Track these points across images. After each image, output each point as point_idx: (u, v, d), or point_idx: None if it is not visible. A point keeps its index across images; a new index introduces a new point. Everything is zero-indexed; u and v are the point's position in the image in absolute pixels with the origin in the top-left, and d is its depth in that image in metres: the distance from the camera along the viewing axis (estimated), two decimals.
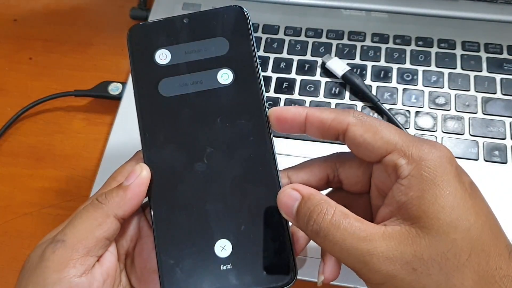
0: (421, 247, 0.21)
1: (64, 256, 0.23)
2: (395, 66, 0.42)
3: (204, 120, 0.27)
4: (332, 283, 0.32)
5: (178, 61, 0.27)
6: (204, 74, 0.27)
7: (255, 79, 0.27)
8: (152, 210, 0.26)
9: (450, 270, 0.21)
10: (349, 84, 0.40)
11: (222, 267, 0.25)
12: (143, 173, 0.25)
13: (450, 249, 0.21)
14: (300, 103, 0.40)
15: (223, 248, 0.25)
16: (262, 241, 0.25)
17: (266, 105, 0.27)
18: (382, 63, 0.42)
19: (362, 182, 0.26)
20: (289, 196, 0.24)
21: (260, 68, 0.27)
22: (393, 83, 0.41)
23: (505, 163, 0.37)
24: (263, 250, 0.25)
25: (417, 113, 0.39)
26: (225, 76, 0.27)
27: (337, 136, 0.25)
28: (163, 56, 0.28)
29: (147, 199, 0.26)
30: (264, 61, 0.43)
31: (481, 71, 0.41)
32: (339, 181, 0.27)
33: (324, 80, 0.41)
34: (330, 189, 0.28)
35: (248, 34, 0.27)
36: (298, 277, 0.33)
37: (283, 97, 0.40)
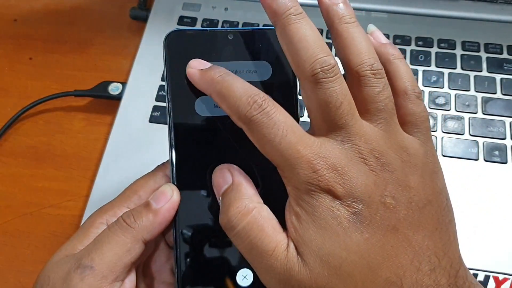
0: (303, 279, 0.20)
1: (93, 284, 0.22)
2: None
3: (239, 146, 0.25)
4: None
5: None
6: None
7: (292, 109, 0.25)
8: (175, 233, 0.25)
9: None
10: None
11: None
12: (174, 197, 0.24)
13: (326, 285, 0.20)
14: (300, 103, 0.40)
15: (244, 277, 0.25)
16: None
17: None
18: None
19: None
20: (222, 175, 0.23)
21: (298, 97, 0.26)
22: None
23: (505, 163, 0.37)
24: None
25: None
26: None
27: None
28: None
29: None
30: None
31: (481, 71, 0.41)
32: None
33: None
34: None
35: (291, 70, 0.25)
36: None
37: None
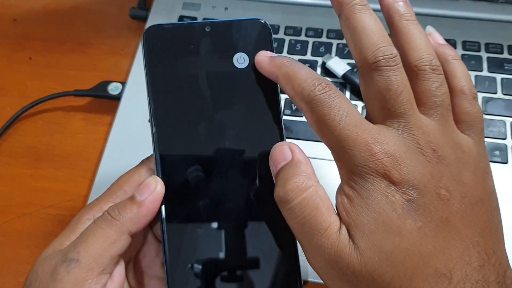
0: (354, 262, 0.21)
1: (79, 276, 0.22)
2: None
3: (220, 134, 0.26)
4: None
5: (195, 71, 0.26)
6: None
7: (273, 98, 0.26)
8: (162, 225, 0.25)
9: None
10: (349, 84, 0.40)
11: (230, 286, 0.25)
12: (158, 188, 0.24)
13: (376, 270, 0.20)
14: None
15: (233, 267, 0.25)
16: (273, 263, 0.25)
17: (284, 130, 0.26)
18: None
19: None
20: (282, 152, 0.24)
21: (278, 87, 0.26)
22: None
23: (506, 163, 0.37)
24: (272, 272, 0.25)
25: None
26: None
27: None
28: (182, 65, 0.26)
29: None
30: None
31: (481, 71, 0.41)
32: None
33: None
34: None
35: (269, 50, 0.26)
36: (301, 278, 0.33)
37: (283, 96, 0.40)
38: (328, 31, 0.44)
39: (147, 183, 0.24)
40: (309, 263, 0.23)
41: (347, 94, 0.40)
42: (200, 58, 0.26)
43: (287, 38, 0.44)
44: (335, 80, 0.41)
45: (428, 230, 0.20)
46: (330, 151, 0.23)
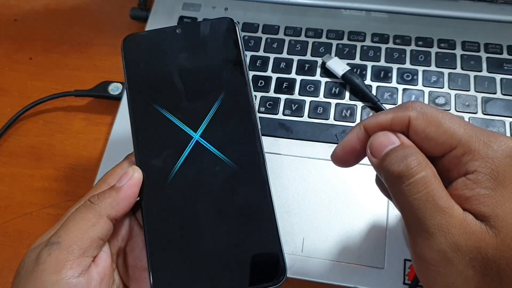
0: (487, 247, 0.20)
1: (60, 257, 0.23)
2: (395, 66, 0.42)
3: (193, 128, 0.28)
4: (332, 283, 0.32)
5: (168, 68, 0.29)
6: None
7: (244, 86, 0.28)
8: (143, 211, 0.26)
9: (508, 280, 0.20)
10: (349, 84, 0.40)
11: (212, 267, 0.25)
12: (135, 174, 0.26)
13: None
14: (300, 103, 0.40)
15: (213, 248, 0.25)
16: (253, 241, 0.25)
17: (257, 112, 0.28)
18: (382, 63, 0.42)
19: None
20: (388, 138, 0.23)
21: (250, 79, 0.29)
22: (393, 83, 0.41)
23: None
24: (254, 250, 0.25)
25: None
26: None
27: (403, 134, 0.24)
28: (156, 65, 0.29)
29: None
30: (264, 61, 0.43)
31: (481, 71, 0.41)
32: None
33: (324, 80, 0.41)
34: None
35: (237, 45, 0.29)
36: (299, 277, 0.33)
37: (283, 97, 0.40)
38: (328, 31, 0.44)
39: (126, 172, 0.26)
40: (421, 251, 0.21)
41: (347, 94, 0.40)
42: (172, 57, 0.29)
43: (287, 39, 0.44)
44: (335, 80, 0.41)
45: None
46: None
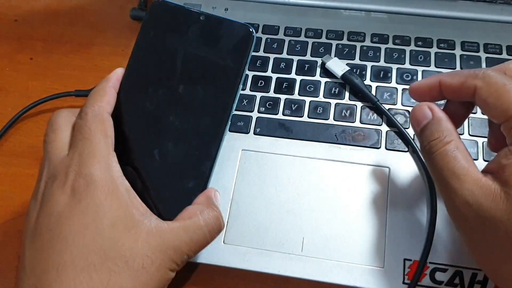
0: (498, 208, 0.23)
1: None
2: (394, 66, 0.42)
3: (181, 75, 0.32)
4: (332, 282, 0.32)
5: (176, 46, 0.32)
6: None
7: (233, 88, 0.31)
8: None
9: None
10: (348, 84, 0.41)
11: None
12: (118, 70, 0.33)
13: None
14: (300, 103, 0.40)
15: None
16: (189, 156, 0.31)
17: (235, 104, 0.31)
18: (382, 63, 0.42)
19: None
20: (423, 112, 0.28)
21: (240, 86, 0.31)
22: (393, 83, 0.41)
23: None
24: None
25: None
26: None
27: (471, 99, 0.27)
28: (168, 37, 0.33)
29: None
30: (264, 61, 0.43)
31: None
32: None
33: (323, 80, 0.41)
34: None
35: (244, 56, 0.31)
36: (299, 276, 0.33)
37: (283, 97, 0.41)
38: (328, 31, 0.44)
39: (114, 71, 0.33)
40: (447, 209, 0.26)
41: (346, 94, 0.40)
42: (184, 37, 0.32)
43: (287, 39, 0.44)
44: (335, 80, 0.41)
45: None
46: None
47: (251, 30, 0.31)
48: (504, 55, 0.41)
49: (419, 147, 0.35)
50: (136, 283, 0.25)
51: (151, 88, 0.32)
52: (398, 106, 0.40)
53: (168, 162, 0.31)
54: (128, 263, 0.25)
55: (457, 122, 0.29)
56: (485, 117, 0.38)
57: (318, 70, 0.42)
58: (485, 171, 0.26)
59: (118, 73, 0.32)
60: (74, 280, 0.24)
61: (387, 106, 0.39)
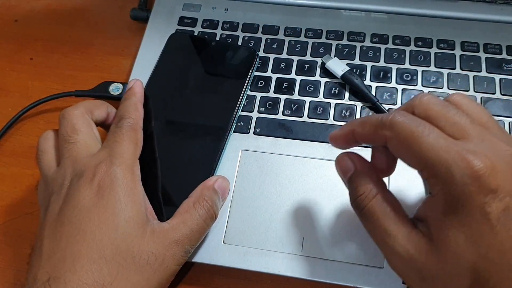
0: (431, 261, 0.22)
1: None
2: (394, 67, 0.42)
3: (195, 89, 0.39)
4: (332, 282, 0.32)
5: (190, 65, 0.40)
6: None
7: (235, 103, 0.38)
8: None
9: None
10: (348, 85, 0.41)
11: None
12: (139, 83, 0.36)
13: (456, 275, 0.22)
14: (300, 103, 0.40)
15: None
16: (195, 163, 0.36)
17: (237, 115, 0.38)
18: (382, 63, 0.42)
19: None
20: (345, 164, 0.28)
21: (242, 102, 0.39)
22: (393, 83, 0.41)
23: None
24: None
25: None
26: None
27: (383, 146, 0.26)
28: (184, 59, 0.41)
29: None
30: (264, 61, 0.43)
31: (480, 71, 0.41)
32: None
33: (323, 80, 0.41)
34: None
35: (247, 73, 0.39)
36: (299, 276, 0.33)
37: (283, 97, 0.41)
38: (328, 32, 0.44)
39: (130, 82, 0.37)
40: (390, 264, 0.25)
41: (346, 94, 0.40)
42: (198, 59, 0.40)
43: (287, 39, 0.44)
44: (335, 80, 0.41)
45: None
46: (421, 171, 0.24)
47: (254, 51, 0.41)
48: (504, 55, 0.42)
49: None
50: (140, 278, 0.27)
51: (168, 102, 0.38)
52: (398, 106, 0.40)
53: (177, 168, 0.35)
54: (135, 259, 0.27)
55: (390, 163, 0.28)
56: None
57: (318, 70, 0.42)
58: (416, 218, 0.25)
59: (140, 87, 0.36)
60: (86, 271, 0.26)
61: (387, 106, 0.39)
